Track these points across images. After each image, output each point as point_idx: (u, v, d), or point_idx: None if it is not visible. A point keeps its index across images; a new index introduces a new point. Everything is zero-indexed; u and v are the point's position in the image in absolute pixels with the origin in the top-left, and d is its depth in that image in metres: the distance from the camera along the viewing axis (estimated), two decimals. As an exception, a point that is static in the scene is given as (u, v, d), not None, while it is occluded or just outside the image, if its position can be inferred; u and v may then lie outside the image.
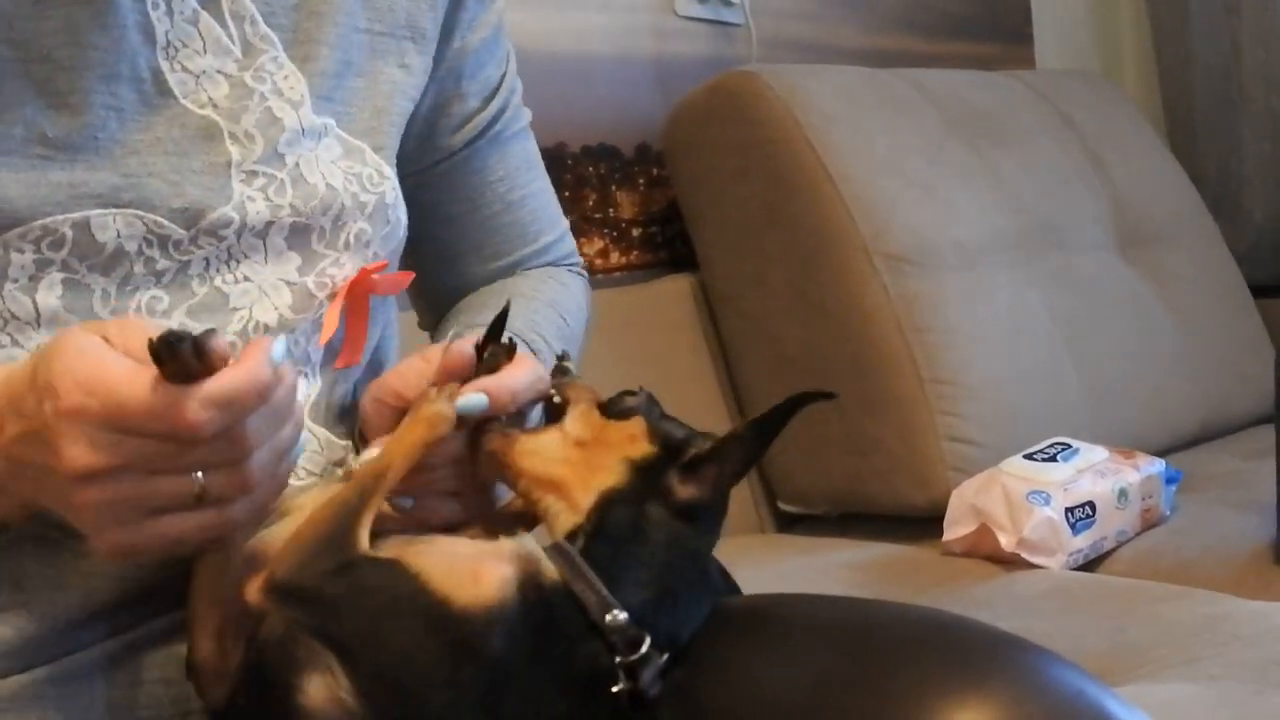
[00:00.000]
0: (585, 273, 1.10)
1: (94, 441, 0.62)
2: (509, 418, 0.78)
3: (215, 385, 0.62)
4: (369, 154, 0.86)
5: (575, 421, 0.77)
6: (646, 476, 0.73)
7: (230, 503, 0.66)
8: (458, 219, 0.99)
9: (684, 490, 0.73)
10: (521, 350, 0.80)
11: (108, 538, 0.64)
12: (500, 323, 0.80)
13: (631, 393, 0.79)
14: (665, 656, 0.69)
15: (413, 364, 0.81)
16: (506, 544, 0.70)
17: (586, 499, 0.73)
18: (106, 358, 0.63)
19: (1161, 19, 2.60)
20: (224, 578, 0.71)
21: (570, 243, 1.09)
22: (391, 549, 0.69)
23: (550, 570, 0.69)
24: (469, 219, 1.00)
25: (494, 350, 0.79)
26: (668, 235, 1.93)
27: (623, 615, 0.68)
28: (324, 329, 0.83)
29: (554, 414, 0.79)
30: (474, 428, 0.77)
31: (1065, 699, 0.66)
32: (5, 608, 0.75)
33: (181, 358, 0.61)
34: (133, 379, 0.62)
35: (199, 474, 0.64)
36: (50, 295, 0.74)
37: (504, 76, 1.00)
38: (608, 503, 0.72)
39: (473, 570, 0.67)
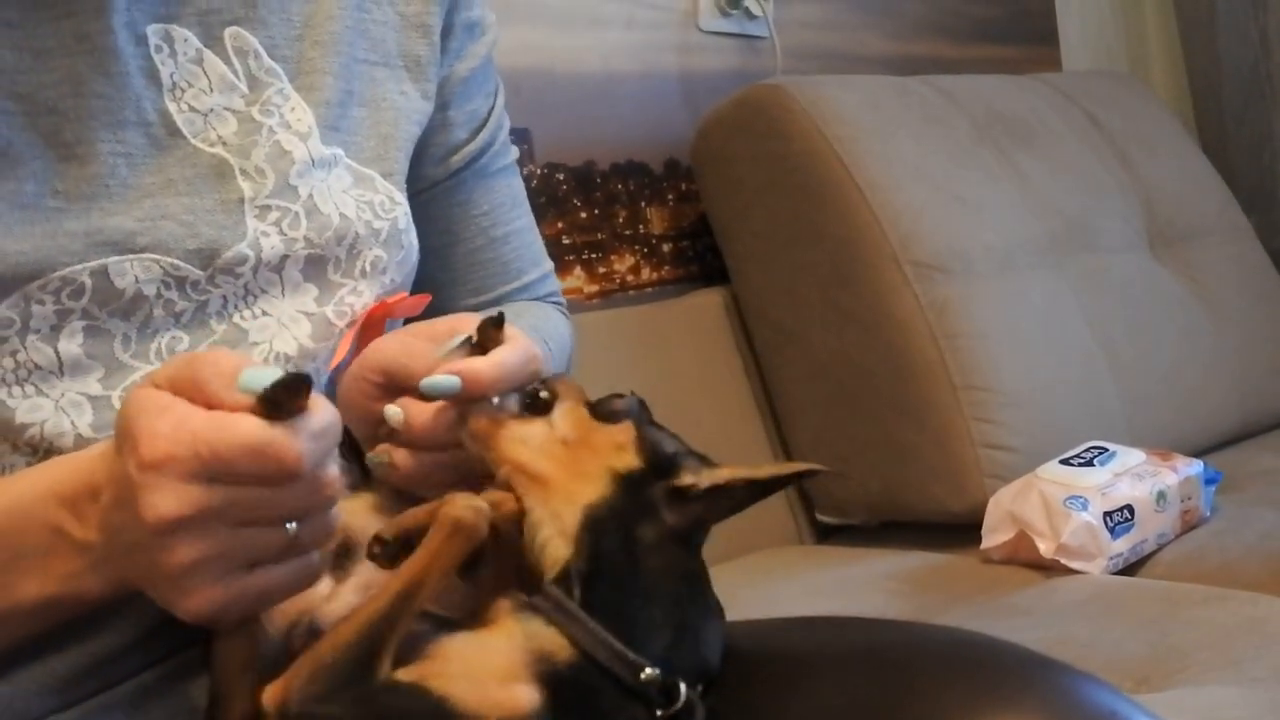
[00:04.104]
0: (568, 314, 1.08)
1: (179, 492, 0.60)
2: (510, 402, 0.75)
3: (314, 418, 0.62)
4: (379, 181, 0.87)
5: (563, 418, 0.73)
6: (631, 493, 0.70)
7: (315, 551, 0.65)
8: (439, 250, 0.98)
9: (672, 518, 0.70)
10: (513, 330, 0.76)
11: (202, 597, 0.62)
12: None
13: (620, 395, 0.75)
14: (700, 690, 0.67)
15: (405, 340, 0.77)
16: (516, 644, 0.66)
17: (572, 516, 0.69)
18: (188, 409, 0.61)
19: (1187, 16, 2.59)
20: (253, 643, 0.69)
21: (554, 283, 1.07)
22: (408, 669, 0.65)
23: (563, 650, 0.66)
24: (451, 251, 0.99)
25: (482, 324, 0.74)
26: (698, 249, 1.93)
27: (654, 671, 0.65)
28: (335, 354, 0.83)
29: (538, 408, 0.75)
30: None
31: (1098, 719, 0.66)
32: (43, 650, 0.75)
33: (293, 400, 0.61)
34: (223, 423, 0.60)
35: (292, 524, 0.63)
36: (72, 343, 0.74)
37: (492, 110, 1.00)
38: (595, 524, 0.69)
39: (503, 695, 0.64)
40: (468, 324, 0.76)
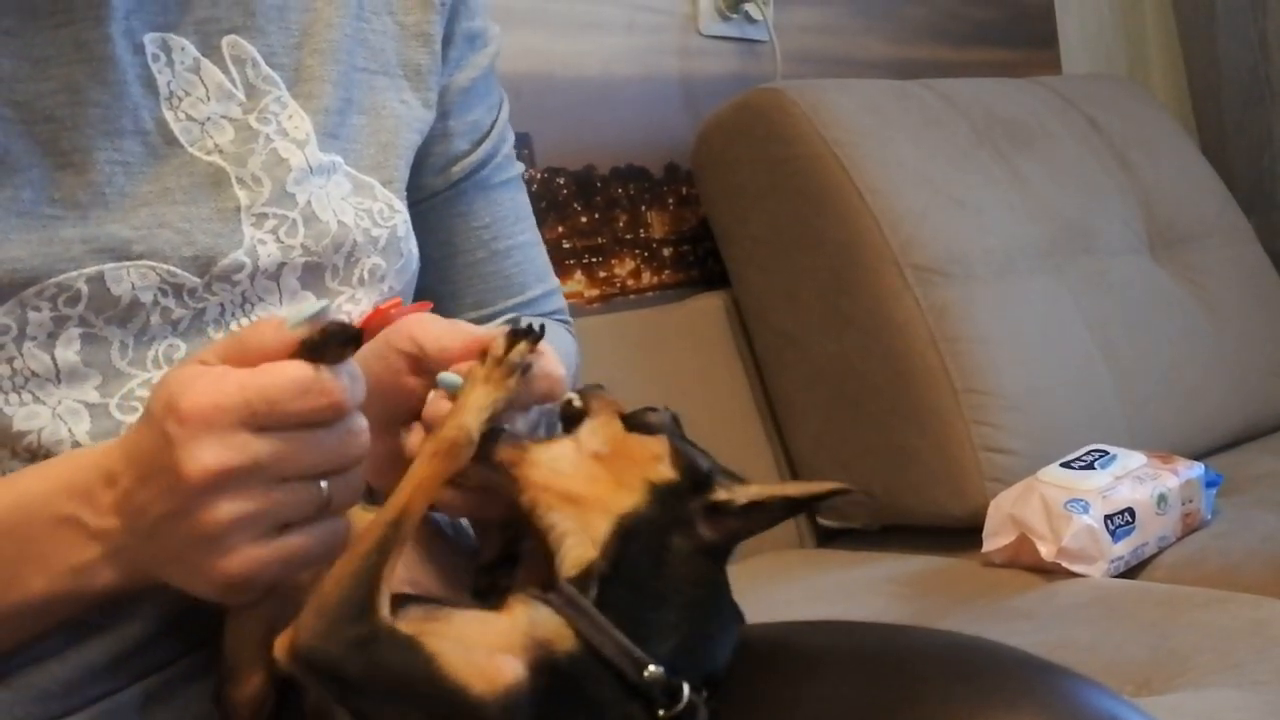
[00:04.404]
0: (574, 331, 1.07)
1: (227, 442, 0.61)
2: (522, 422, 0.74)
3: (349, 364, 0.65)
4: (379, 189, 0.87)
5: (593, 433, 0.73)
6: (666, 504, 0.70)
7: (342, 517, 0.66)
8: (439, 262, 0.97)
9: (707, 532, 0.70)
10: (546, 347, 0.74)
11: (243, 556, 0.63)
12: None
13: (654, 409, 0.76)
14: (704, 695, 0.67)
15: (439, 321, 0.76)
16: (518, 627, 0.66)
17: (603, 524, 0.69)
18: (228, 369, 0.63)
19: (1187, 19, 2.60)
20: (269, 619, 0.69)
21: (559, 300, 1.06)
22: (410, 622, 0.66)
23: (566, 640, 0.66)
24: (450, 263, 0.99)
25: (509, 333, 0.73)
26: (699, 253, 1.93)
27: (658, 669, 0.65)
28: None
29: (571, 422, 0.75)
30: (483, 435, 0.71)
31: None
32: (43, 654, 0.75)
33: (340, 349, 0.64)
34: (268, 369, 0.63)
35: (324, 484, 0.64)
36: (68, 350, 0.75)
37: (495, 123, 1.00)
38: (627, 531, 0.69)
39: (488, 663, 0.64)
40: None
